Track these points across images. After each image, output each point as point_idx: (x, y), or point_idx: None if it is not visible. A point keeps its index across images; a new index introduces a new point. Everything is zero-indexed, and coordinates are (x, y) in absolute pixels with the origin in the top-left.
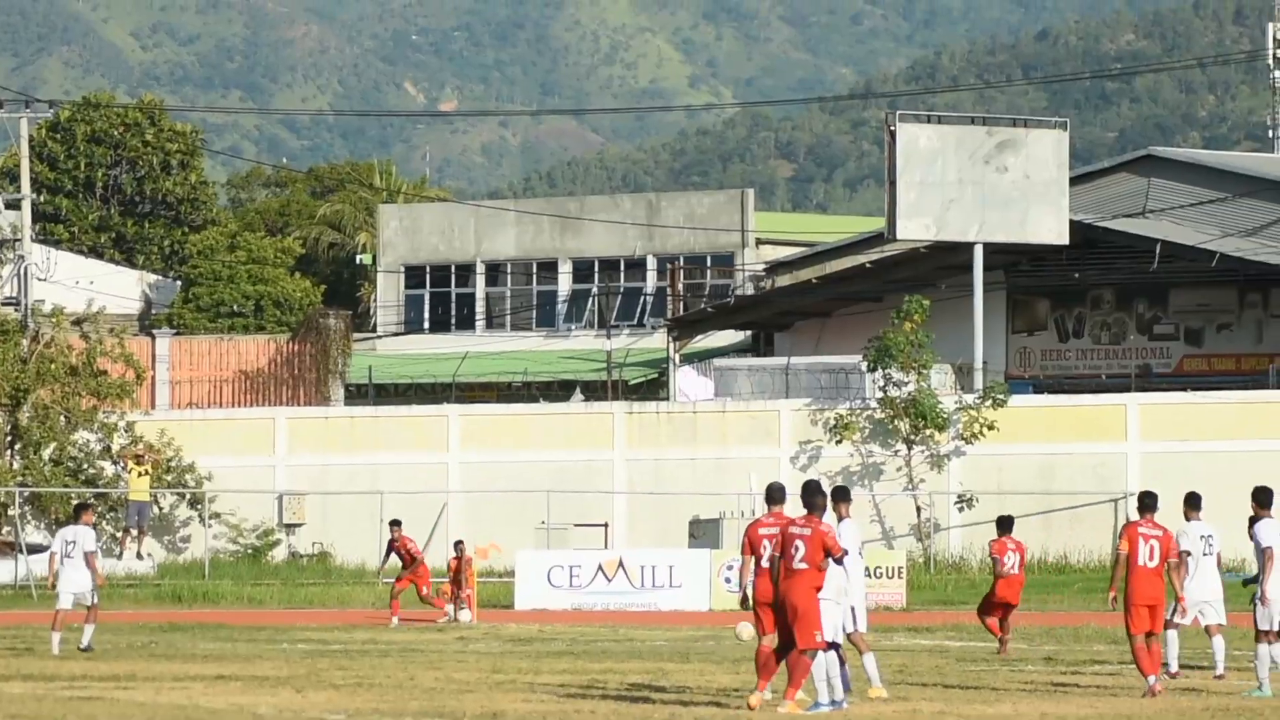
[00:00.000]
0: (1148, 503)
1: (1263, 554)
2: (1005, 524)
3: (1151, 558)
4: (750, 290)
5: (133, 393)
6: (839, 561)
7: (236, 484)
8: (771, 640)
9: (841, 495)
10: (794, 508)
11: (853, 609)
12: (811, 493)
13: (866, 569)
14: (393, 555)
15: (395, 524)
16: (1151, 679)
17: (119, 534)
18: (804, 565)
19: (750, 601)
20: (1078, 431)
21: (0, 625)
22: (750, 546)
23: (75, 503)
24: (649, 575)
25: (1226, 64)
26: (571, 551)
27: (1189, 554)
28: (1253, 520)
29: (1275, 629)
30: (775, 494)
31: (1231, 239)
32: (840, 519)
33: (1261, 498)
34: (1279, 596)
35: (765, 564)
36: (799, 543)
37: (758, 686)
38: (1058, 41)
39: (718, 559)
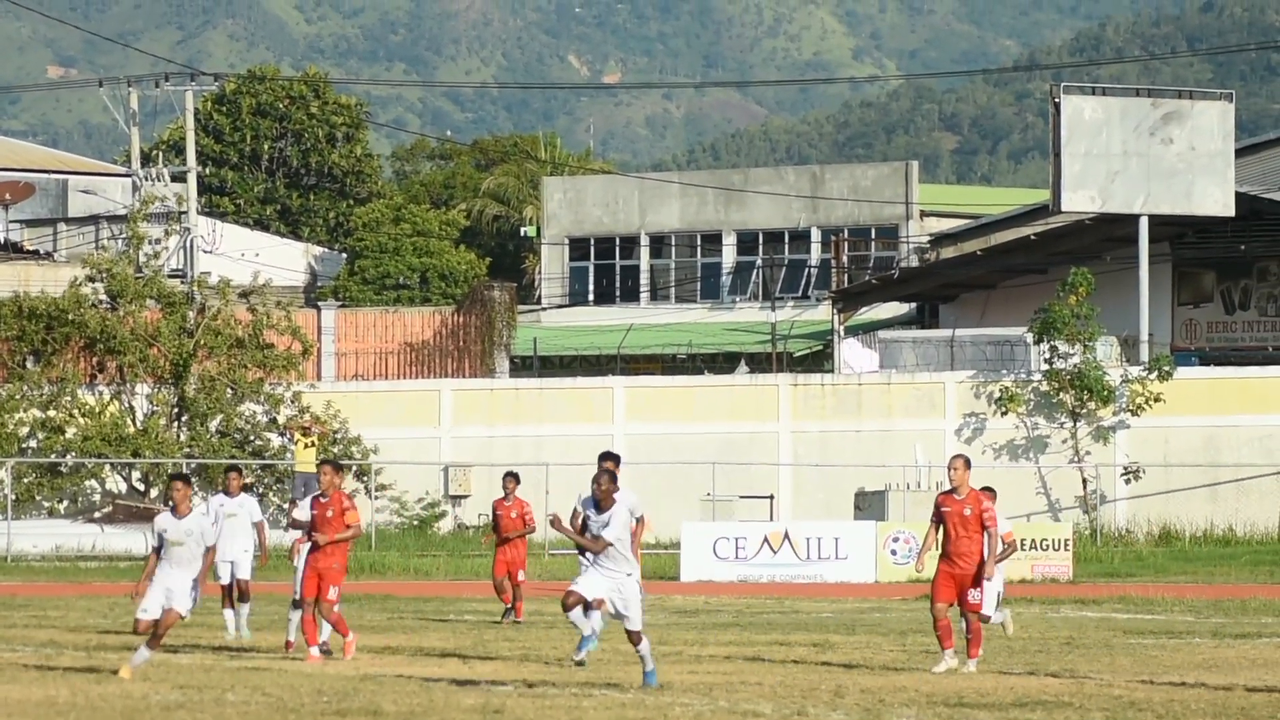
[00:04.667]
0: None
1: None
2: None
3: None
4: (915, 262)
5: (299, 365)
6: None
7: (402, 456)
8: None
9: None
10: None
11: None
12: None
13: (1032, 541)
14: None
15: None
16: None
17: (286, 505)
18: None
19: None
20: (1244, 404)
21: None
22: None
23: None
24: (814, 547)
25: None
26: (737, 523)
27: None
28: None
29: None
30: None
31: None
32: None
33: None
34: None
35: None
36: None
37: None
38: (1223, 13)
39: (883, 531)
